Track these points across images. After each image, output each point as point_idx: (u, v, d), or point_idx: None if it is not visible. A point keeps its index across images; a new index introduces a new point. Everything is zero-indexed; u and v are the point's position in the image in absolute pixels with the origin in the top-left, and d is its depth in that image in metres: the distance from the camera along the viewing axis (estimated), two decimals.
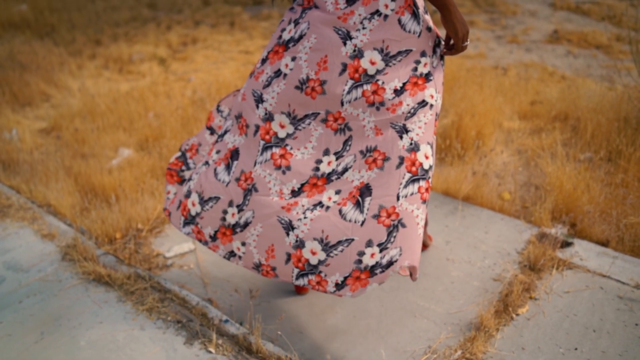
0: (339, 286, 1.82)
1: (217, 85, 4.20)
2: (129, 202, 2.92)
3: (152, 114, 3.93)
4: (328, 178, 1.87)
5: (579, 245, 2.58)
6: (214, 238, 2.00)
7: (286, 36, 1.91)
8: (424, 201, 1.84)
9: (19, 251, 2.66)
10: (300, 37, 1.87)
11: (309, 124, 1.86)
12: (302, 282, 1.86)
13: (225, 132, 2.06)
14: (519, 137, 3.55)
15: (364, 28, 1.80)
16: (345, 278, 1.81)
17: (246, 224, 1.91)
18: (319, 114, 1.85)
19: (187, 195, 2.06)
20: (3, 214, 2.95)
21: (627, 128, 3.30)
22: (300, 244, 1.84)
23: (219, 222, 1.97)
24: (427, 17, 1.91)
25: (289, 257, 1.86)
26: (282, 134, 1.89)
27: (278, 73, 1.90)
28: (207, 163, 2.07)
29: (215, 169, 2.01)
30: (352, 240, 1.81)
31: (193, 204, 2.03)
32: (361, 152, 1.86)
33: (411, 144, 1.85)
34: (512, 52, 5.44)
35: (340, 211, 1.83)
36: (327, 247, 1.82)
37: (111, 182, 3.08)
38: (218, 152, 2.05)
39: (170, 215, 2.15)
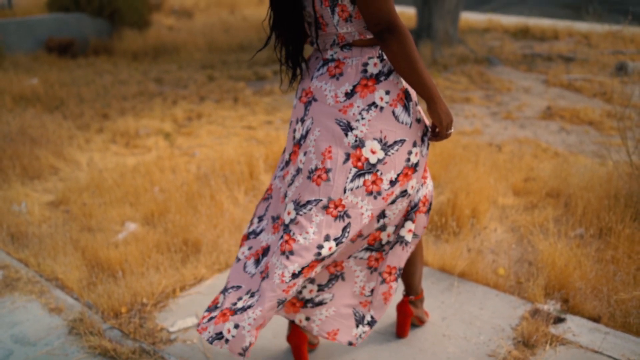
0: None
1: (221, 162, 4.35)
2: (135, 277, 3.02)
3: (158, 188, 4.06)
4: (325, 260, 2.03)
5: (572, 321, 2.66)
6: (211, 319, 2.08)
7: (297, 135, 2.10)
8: None
9: (26, 324, 2.74)
10: (307, 132, 2.04)
11: (310, 210, 1.98)
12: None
13: (262, 230, 2.20)
14: (513, 214, 3.67)
15: (362, 119, 1.96)
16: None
17: (249, 307, 2.00)
18: (321, 200, 1.98)
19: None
20: (12, 288, 3.04)
21: (617, 205, 3.42)
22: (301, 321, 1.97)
23: (228, 304, 2.07)
24: (418, 108, 2.08)
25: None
26: (287, 220, 2.03)
27: (298, 170, 2.07)
28: (237, 259, 2.23)
29: (245, 263, 2.15)
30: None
31: (218, 297, 2.20)
32: (360, 236, 2.07)
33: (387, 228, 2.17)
34: (507, 128, 5.62)
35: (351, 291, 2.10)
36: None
37: (117, 257, 3.18)
38: (250, 248, 2.20)
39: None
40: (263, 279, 2.02)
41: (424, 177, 2.25)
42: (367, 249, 2.22)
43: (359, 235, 2.11)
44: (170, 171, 4.37)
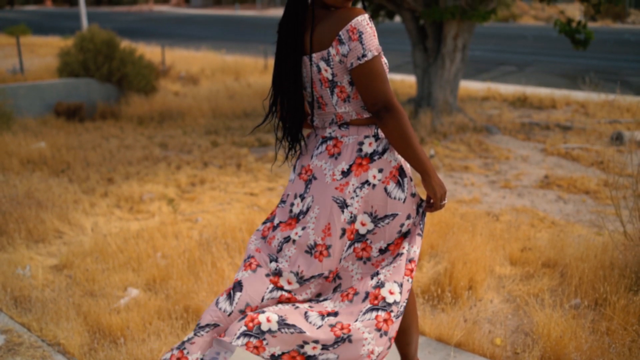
0: (275, 358, 2.04)
1: (223, 229, 4.43)
2: (136, 343, 3.05)
3: (160, 254, 4.13)
4: (309, 301, 2.19)
5: None
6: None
7: (296, 210, 2.23)
8: (379, 329, 2.07)
9: None
10: (307, 209, 2.18)
11: (312, 282, 2.13)
12: (240, 342, 2.01)
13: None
14: (509, 284, 3.72)
15: (356, 196, 2.11)
16: (283, 353, 2.04)
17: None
18: (322, 274, 2.12)
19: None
20: (14, 352, 3.07)
21: (612, 276, 3.48)
22: (260, 311, 2.06)
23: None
24: (412, 184, 2.19)
25: (244, 316, 2.07)
26: (287, 287, 2.16)
27: (287, 239, 2.20)
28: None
29: (217, 300, 2.19)
30: (304, 332, 2.02)
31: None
32: (342, 291, 2.19)
33: (378, 282, 2.12)
34: (505, 197, 5.72)
35: (305, 313, 2.08)
36: (282, 323, 2.02)
37: (119, 323, 3.22)
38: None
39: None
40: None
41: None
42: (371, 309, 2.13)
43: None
44: (173, 237, 4.44)
